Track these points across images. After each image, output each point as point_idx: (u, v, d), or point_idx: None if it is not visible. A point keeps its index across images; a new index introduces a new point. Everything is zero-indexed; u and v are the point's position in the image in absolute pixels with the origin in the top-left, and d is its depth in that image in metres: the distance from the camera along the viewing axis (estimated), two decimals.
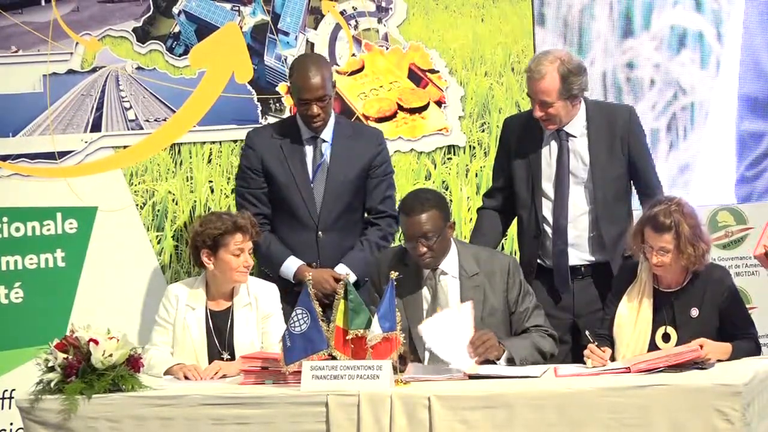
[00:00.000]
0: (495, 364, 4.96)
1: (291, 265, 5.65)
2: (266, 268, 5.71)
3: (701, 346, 4.76)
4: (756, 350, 5.03)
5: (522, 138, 5.61)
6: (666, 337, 5.00)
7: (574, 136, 5.54)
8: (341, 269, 5.65)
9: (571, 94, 5.44)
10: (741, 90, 6.47)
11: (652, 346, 5.01)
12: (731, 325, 4.98)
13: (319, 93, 5.60)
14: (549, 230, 5.54)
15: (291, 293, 5.46)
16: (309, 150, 5.75)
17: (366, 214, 5.83)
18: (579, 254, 5.53)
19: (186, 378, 5.06)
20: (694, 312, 4.99)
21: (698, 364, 4.71)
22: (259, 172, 5.72)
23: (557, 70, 5.40)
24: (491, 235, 5.70)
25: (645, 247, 5.01)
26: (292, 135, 5.74)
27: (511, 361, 5.01)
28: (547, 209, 5.55)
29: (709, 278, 5.03)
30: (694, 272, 5.02)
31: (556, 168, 5.54)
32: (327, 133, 5.74)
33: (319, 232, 5.70)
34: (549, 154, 5.56)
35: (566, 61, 5.44)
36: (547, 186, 5.55)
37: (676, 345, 4.95)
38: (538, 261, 5.58)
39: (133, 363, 4.86)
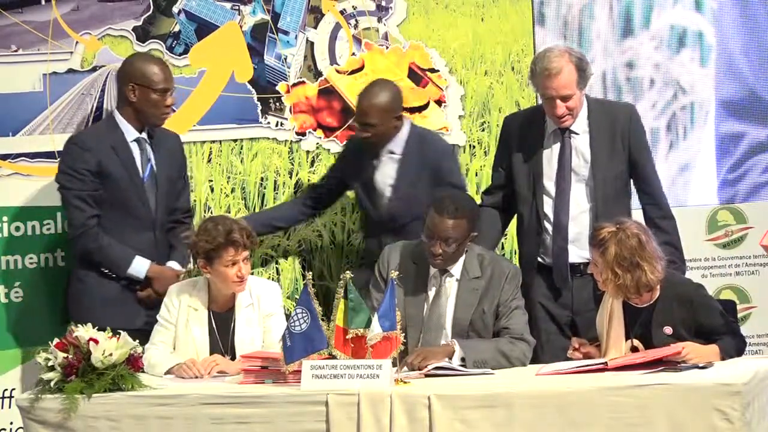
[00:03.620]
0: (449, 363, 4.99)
1: (140, 264, 5.69)
2: (108, 268, 5.71)
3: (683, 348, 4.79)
4: (741, 343, 5.03)
5: (523, 136, 5.62)
6: (634, 350, 5.01)
7: (576, 134, 5.55)
8: (175, 266, 5.77)
9: (585, 83, 5.50)
10: (717, 95, 6.47)
11: None
12: (710, 332, 4.99)
13: (171, 83, 5.75)
14: (550, 227, 5.55)
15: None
16: (135, 150, 5.77)
17: (172, 214, 5.88)
18: (579, 252, 5.52)
19: (185, 373, 5.06)
20: (668, 330, 5.00)
21: (695, 364, 4.72)
22: (95, 173, 5.70)
23: (571, 61, 5.45)
24: (491, 233, 5.70)
25: None
26: (118, 135, 5.75)
27: (464, 361, 5.03)
28: (548, 206, 5.56)
29: (675, 297, 5.02)
30: (662, 288, 5.02)
31: (558, 165, 5.55)
32: (144, 133, 5.81)
33: (156, 232, 5.77)
34: (551, 152, 5.57)
35: (572, 52, 5.52)
36: (549, 183, 5.56)
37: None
38: (538, 258, 5.59)
39: (133, 362, 4.86)
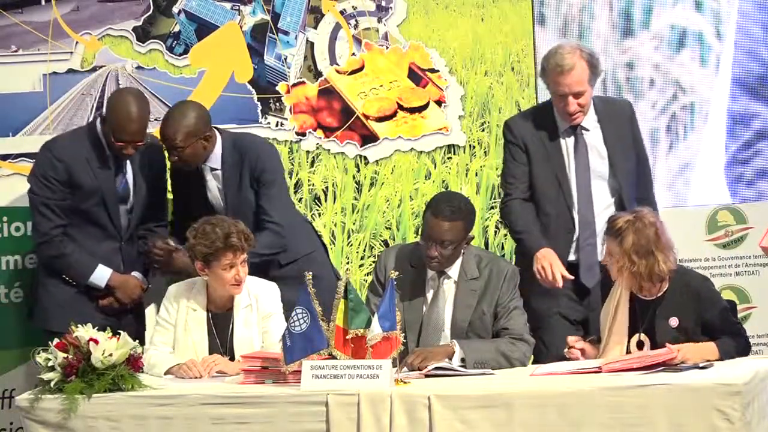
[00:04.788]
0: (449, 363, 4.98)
1: (102, 273, 5.71)
2: (70, 276, 5.73)
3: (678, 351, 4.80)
4: (745, 346, 5.03)
5: (538, 136, 5.56)
6: (640, 345, 5.01)
7: (587, 130, 5.53)
8: (139, 276, 5.80)
9: (596, 79, 5.49)
10: (733, 71, 6.47)
11: (628, 353, 5.04)
12: (712, 328, 5.00)
13: (137, 137, 5.63)
14: (576, 226, 5.51)
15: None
16: (112, 162, 5.73)
17: (143, 224, 5.88)
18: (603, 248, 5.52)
19: (186, 374, 5.06)
20: (674, 322, 5.00)
21: (695, 364, 4.72)
22: (66, 183, 5.68)
23: (582, 57, 5.44)
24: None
25: None
26: (97, 147, 5.72)
27: (464, 362, 5.02)
28: (574, 204, 5.52)
29: (686, 288, 5.03)
30: (671, 279, 5.04)
31: (576, 163, 5.52)
32: None
33: (123, 243, 5.79)
34: (567, 150, 5.54)
35: (584, 48, 5.51)
36: (573, 181, 5.53)
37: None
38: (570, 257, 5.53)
39: (133, 362, 4.86)
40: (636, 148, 5.62)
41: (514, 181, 5.60)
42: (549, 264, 5.37)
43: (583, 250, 5.50)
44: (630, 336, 5.04)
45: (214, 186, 5.83)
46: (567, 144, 5.55)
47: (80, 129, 5.92)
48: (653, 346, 4.95)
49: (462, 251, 5.23)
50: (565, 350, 5.10)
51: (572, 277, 5.42)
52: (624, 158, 5.55)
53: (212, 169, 5.81)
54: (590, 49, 5.58)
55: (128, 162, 5.76)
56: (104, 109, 5.70)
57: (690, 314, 4.99)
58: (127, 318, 5.74)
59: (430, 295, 5.25)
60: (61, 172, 5.68)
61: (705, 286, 5.08)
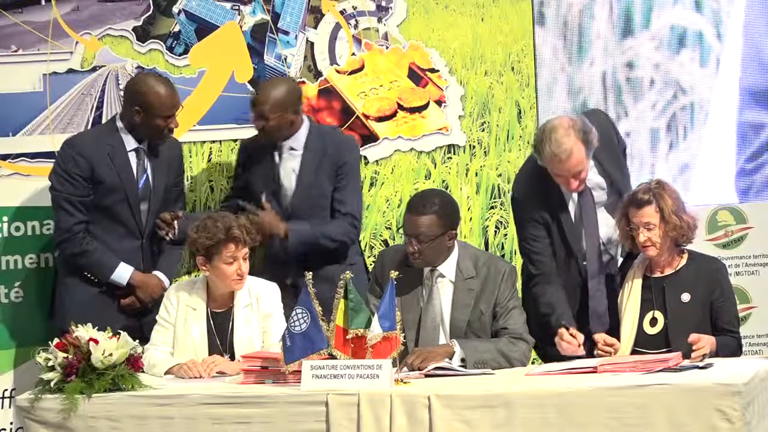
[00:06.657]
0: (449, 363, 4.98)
1: (123, 271, 5.75)
2: (91, 273, 5.76)
3: (699, 340, 4.88)
4: (737, 351, 5.07)
5: (547, 206, 5.44)
6: (653, 322, 5.05)
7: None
8: (161, 276, 5.83)
9: (592, 150, 5.29)
10: (742, 82, 6.48)
11: (640, 331, 5.09)
12: (718, 319, 5.04)
13: (177, 106, 5.75)
14: (587, 277, 5.45)
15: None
16: (133, 159, 5.79)
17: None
18: (614, 266, 5.50)
19: (186, 374, 5.06)
20: (686, 297, 5.06)
21: (695, 365, 4.74)
22: (88, 179, 5.73)
23: (578, 138, 5.21)
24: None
25: (632, 230, 5.09)
26: (116, 143, 5.78)
27: (464, 362, 5.03)
28: (582, 259, 5.47)
29: (705, 267, 5.12)
30: (689, 258, 5.07)
31: (583, 218, 5.42)
32: (145, 143, 5.83)
33: (144, 240, 5.82)
34: (573, 207, 5.44)
35: (576, 126, 5.24)
36: (581, 234, 5.46)
37: (664, 329, 5.07)
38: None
39: (133, 362, 4.87)
40: (621, 151, 5.61)
41: (540, 257, 5.46)
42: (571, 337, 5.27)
43: (593, 298, 5.44)
44: (644, 314, 5.07)
45: (288, 166, 5.89)
46: (573, 198, 5.42)
47: (100, 127, 6.00)
48: (666, 323, 5.02)
49: (448, 247, 5.23)
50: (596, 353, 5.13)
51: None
52: (620, 172, 5.50)
53: (291, 149, 5.87)
54: (582, 120, 5.30)
55: (148, 160, 5.79)
56: (133, 102, 5.72)
57: (702, 291, 5.06)
58: (148, 318, 5.73)
59: (425, 294, 5.25)
60: (84, 167, 5.72)
61: (722, 271, 5.17)
